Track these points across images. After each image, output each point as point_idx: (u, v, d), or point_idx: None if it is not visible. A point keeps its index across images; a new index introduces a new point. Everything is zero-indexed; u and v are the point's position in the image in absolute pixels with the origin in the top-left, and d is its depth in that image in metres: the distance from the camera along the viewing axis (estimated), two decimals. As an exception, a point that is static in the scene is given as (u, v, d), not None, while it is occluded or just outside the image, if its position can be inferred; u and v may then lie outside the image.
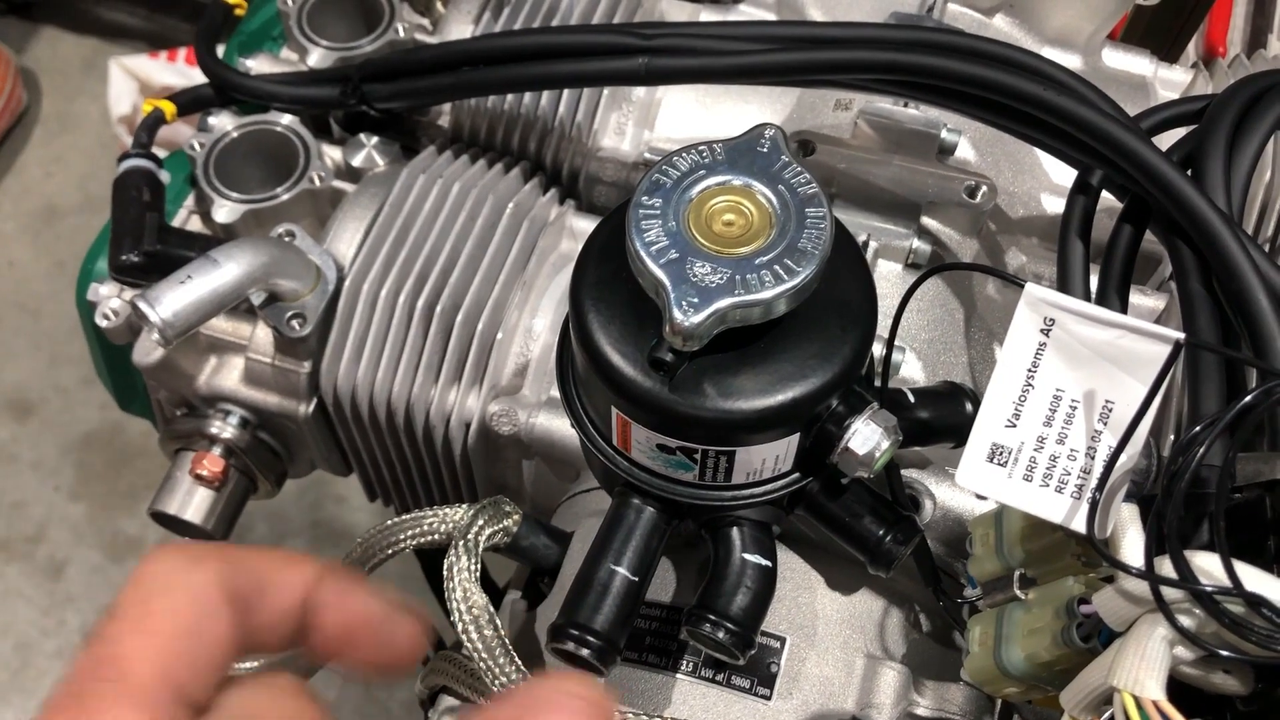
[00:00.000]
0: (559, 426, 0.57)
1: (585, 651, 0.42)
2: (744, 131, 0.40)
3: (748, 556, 0.44)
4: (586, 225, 0.64)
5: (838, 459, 0.42)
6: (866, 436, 0.41)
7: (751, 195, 0.39)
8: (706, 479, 0.42)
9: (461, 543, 0.48)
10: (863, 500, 0.46)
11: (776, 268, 0.37)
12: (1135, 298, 0.61)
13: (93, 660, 0.32)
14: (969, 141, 0.63)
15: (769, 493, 0.43)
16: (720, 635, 0.43)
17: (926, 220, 0.61)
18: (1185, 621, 0.36)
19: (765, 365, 0.39)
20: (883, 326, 0.54)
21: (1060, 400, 0.40)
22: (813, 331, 0.40)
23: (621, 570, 0.43)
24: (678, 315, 0.36)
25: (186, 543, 0.40)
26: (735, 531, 0.45)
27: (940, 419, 0.48)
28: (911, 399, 0.48)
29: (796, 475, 0.44)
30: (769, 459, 0.42)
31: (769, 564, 0.45)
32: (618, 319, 0.40)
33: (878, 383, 0.47)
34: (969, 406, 0.49)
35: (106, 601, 0.33)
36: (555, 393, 0.54)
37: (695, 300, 0.36)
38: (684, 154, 0.39)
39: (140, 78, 1.65)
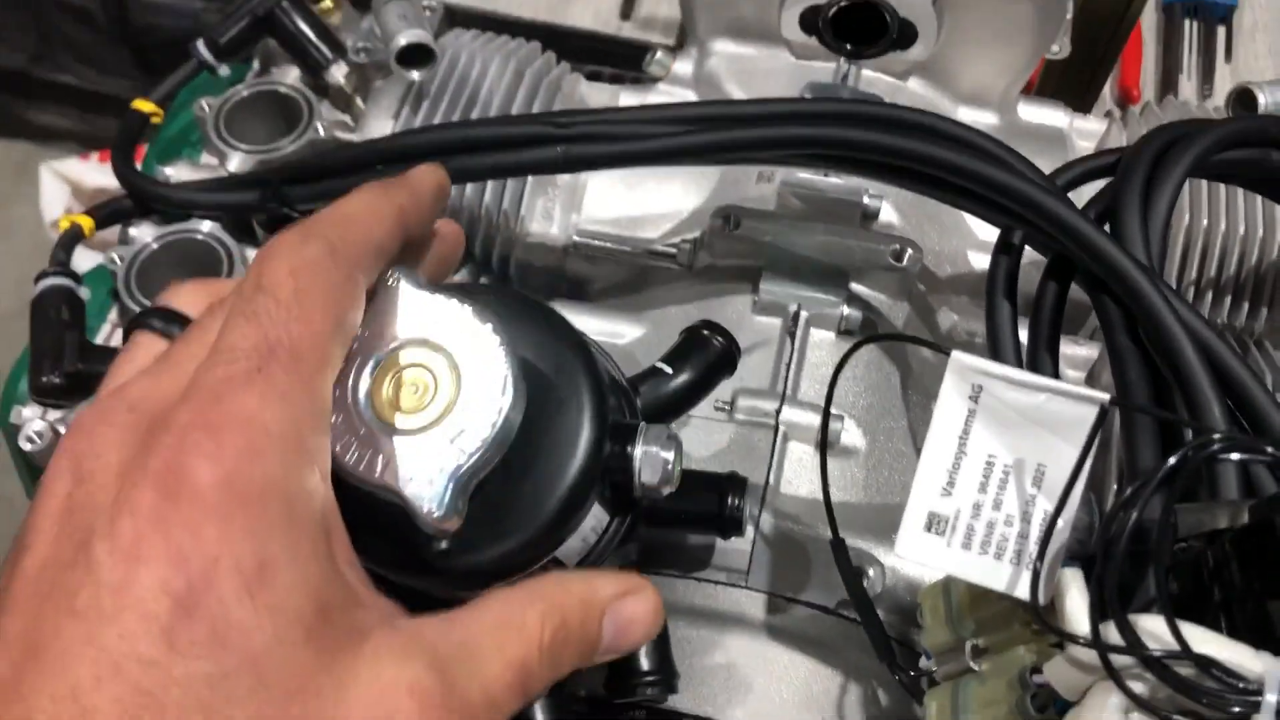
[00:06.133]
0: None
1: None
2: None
3: None
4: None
5: (641, 493, 0.40)
6: (652, 462, 0.40)
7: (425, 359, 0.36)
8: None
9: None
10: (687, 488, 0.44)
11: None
12: (1068, 348, 0.62)
13: (261, 339, 0.32)
14: (892, 205, 0.63)
15: (607, 549, 0.42)
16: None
17: (856, 287, 0.61)
18: (1137, 688, 0.36)
19: (518, 483, 0.37)
20: (820, 395, 0.54)
21: (993, 466, 0.39)
22: (544, 424, 0.38)
23: None
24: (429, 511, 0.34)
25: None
26: None
27: (700, 369, 0.49)
28: (669, 369, 0.48)
29: (618, 521, 0.42)
30: (588, 535, 0.40)
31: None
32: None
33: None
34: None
35: None
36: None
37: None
38: None
39: (72, 181, 1.64)
